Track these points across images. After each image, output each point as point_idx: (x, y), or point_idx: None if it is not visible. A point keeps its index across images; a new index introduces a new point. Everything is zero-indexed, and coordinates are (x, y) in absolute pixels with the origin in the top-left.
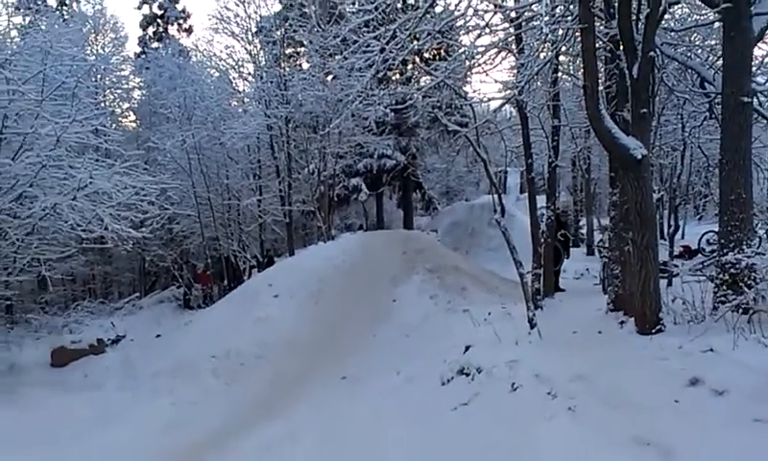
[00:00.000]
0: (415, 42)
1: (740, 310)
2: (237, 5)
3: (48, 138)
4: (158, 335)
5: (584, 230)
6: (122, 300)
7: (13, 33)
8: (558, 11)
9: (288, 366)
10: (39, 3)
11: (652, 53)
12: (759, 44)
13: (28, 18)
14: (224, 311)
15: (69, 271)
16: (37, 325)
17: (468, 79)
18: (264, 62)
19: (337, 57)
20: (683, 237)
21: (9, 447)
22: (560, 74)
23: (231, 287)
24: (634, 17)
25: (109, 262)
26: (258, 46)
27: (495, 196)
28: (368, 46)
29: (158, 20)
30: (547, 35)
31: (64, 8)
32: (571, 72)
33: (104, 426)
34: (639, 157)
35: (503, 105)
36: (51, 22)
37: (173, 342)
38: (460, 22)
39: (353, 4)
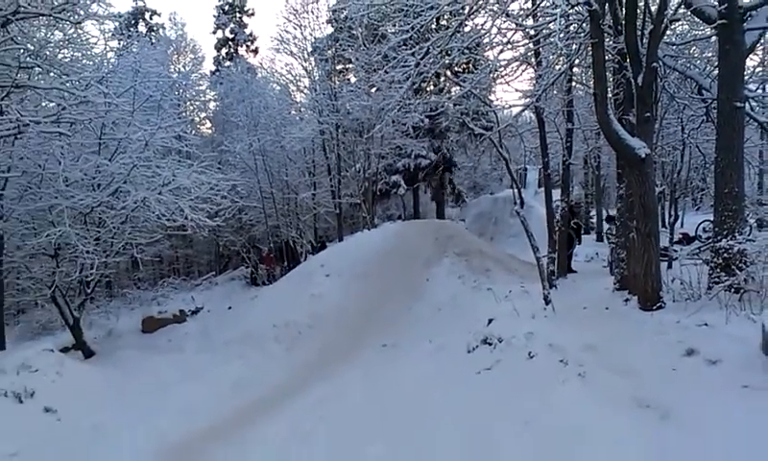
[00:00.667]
0: (446, 58)
1: (732, 290)
2: (295, 28)
3: (138, 143)
4: (230, 307)
5: (594, 220)
6: (200, 277)
7: (110, 54)
8: (572, 28)
9: (337, 335)
10: (132, 30)
11: (655, 64)
12: (751, 56)
13: (122, 42)
14: (284, 288)
15: (157, 253)
16: (131, 298)
17: (493, 89)
18: (318, 77)
19: (379, 71)
20: (682, 226)
21: (112, 400)
22: (573, 83)
23: (290, 268)
24: (639, 33)
25: (190, 246)
26: (313, 63)
27: (516, 190)
28: (405, 62)
29: (230, 43)
30: (562, 49)
31: (152, 33)
32: (583, 81)
33: (187, 384)
34: (643, 155)
35: (523, 111)
36: (141, 45)
37: (242, 313)
38: (486, 39)
39: (393, 25)
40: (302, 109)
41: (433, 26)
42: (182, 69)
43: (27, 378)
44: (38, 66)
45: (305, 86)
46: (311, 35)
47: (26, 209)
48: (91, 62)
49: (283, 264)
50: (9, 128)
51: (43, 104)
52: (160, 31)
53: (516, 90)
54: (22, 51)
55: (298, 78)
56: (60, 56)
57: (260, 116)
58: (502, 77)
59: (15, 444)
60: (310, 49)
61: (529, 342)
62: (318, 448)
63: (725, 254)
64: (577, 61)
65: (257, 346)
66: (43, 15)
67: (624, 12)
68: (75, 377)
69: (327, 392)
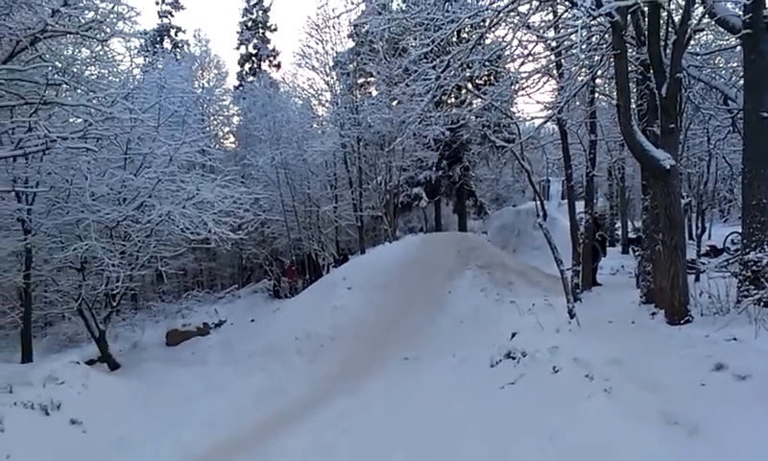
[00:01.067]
0: (467, 70)
1: (761, 303)
2: (317, 43)
3: (163, 157)
4: (253, 320)
5: (619, 232)
6: (224, 290)
7: (136, 71)
8: (594, 39)
9: (359, 347)
10: (157, 47)
11: (679, 75)
12: None
13: (147, 59)
14: (306, 300)
15: (181, 266)
16: (156, 310)
17: (514, 100)
18: (339, 91)
19: (400, 84)
20: (709, 238)
21: (136, 412)
22: (596, 95)
23: (312, 280)
24: (662, 44)
25: (213, 259)
26: (335, 77)
27: (538, 202)
28: (426, 75)
29: (253, 58)
30: (584, 61)
31: (177, 49)
32: (606, 93)
33: (210, 396)
34: (668, 166)
35: (545, 122)
36: (166, 62)
37: (264, 326)
38: (507, 52)
39: (414, 39)
40: (324, 123)
41: (454, 39)
42: (206, 85)
43: (53, 391)
44: (66, 83)
45: (327, 100)
46: (333, 49)
47: (54, 224)
48: (117, 79)
49: (305, 277)
50: (37, 144)
51: (71, 120)
52: (185, 47)
53: (538, 102)
54: (50, 68)
55: (319, 92)
56: (86, 73)
57: (282, 130)
58: (524, 89)
59: (41, 456)
60: (332, 63)
61: (553, 356)
62: (339, 460)
63: (754, 267)
64: (600, 73)
65: (280, 358)
66: (71, 34)
67: (647, 22)
68: (100, 390)
69: (349, 404)
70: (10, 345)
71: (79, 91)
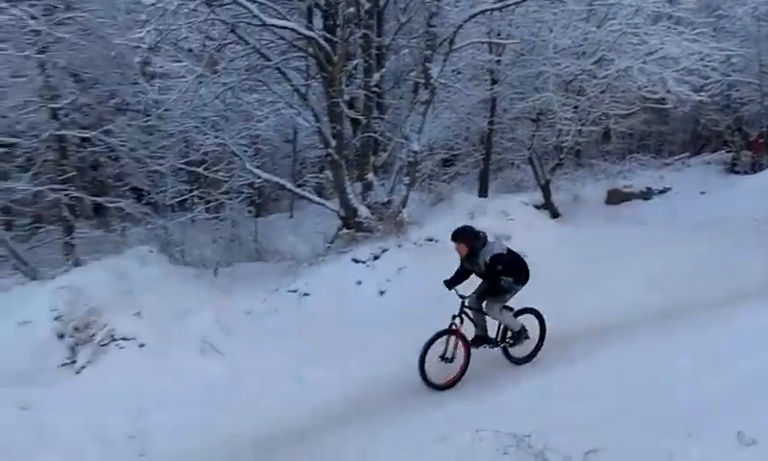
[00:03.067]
0: None
1: None
2: None
3: (629, 8)
4: (703, 192)
5: None
6: (671, 157)
7: None
8: None
9: None
10: None
11: None
12: None
13: None
14: None
15: (629, 127)
16: (597, 169)
17: None
18: None
19: None
20: None
21: (576, 259)
22: None
23: None
24: None
25: (665, 122)
26: None
27: None
28: None
29: None
30: None
31: None
32: None
33: (647, 257)
34: None
35: None
36: None
37: (717, 200)
38: None
39: None
40: None
41: None
42: None
43: (505, 223)
44: None
45: None
46: None
47: (516, 75)
48: None
49: None
50: None
51: None
52: None
53: None
54: None
55: None
56: None
57: None
58: None
59: None
60: None
61: None
62: None
63: None
64: None
65: (730, 234)
66: None
67: None
68: (543, 231)
69: None
70: (469, 181)
71: None
